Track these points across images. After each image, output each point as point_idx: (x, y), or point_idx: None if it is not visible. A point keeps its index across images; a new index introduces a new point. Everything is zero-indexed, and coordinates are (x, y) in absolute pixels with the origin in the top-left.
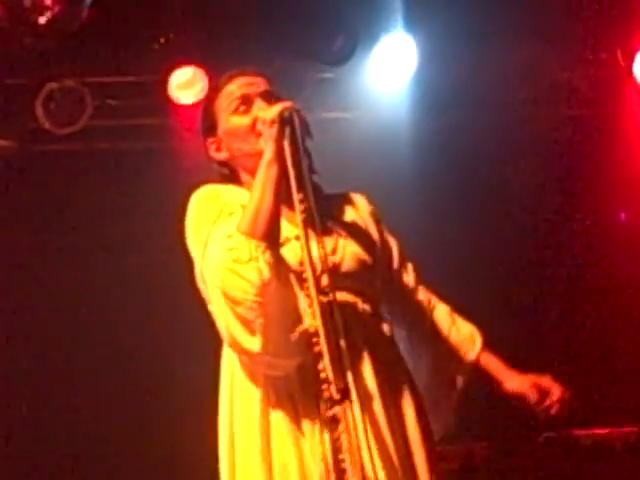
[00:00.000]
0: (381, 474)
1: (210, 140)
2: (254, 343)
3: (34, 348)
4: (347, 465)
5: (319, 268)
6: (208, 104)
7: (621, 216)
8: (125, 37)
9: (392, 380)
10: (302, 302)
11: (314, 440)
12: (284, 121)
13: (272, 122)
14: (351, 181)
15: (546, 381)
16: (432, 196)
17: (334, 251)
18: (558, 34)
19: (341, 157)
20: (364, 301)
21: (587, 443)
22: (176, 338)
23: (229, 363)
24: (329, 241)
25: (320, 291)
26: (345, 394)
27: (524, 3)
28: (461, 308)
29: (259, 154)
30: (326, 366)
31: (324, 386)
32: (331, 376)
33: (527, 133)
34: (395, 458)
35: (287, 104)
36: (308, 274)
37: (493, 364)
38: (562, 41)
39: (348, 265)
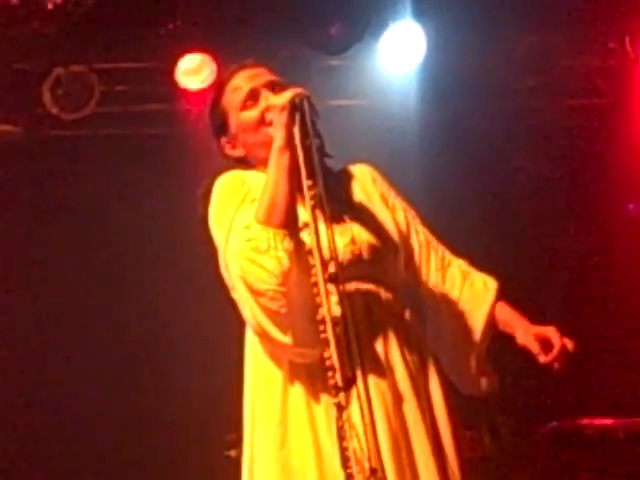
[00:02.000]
0: (417, 453)
1: (224, 139)
2: (286, 337)
3: (34, 336)
4: (350, 453)
5: (340, 255)
6: (214, 104)
7: (630, 207)
8: (133, 23)
9: (420, 364)
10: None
11: (332, 424)
12: (294, 107)
13: (282, 108)
14: None
15: (549, 332)
16: (439, 183)
17: (353, 241)
18: (566, 23)
19: (349, 144)
20: (386, 290)
21: (592, 433)
22: (180, 332)
23: (252, 345)
24: (346, 230)
25: (335, 279)
26: (351, 382)
27: None
28: None
29: (272, 142)
30: (332, 354)
31: (329, 374)
32: (337, 364)
33: (534, 121)
34: (426, 439)
35: (298, 90)
36: (316, 261)
37: (506, 316)
38: (570, 30)
39: (367, 254)
